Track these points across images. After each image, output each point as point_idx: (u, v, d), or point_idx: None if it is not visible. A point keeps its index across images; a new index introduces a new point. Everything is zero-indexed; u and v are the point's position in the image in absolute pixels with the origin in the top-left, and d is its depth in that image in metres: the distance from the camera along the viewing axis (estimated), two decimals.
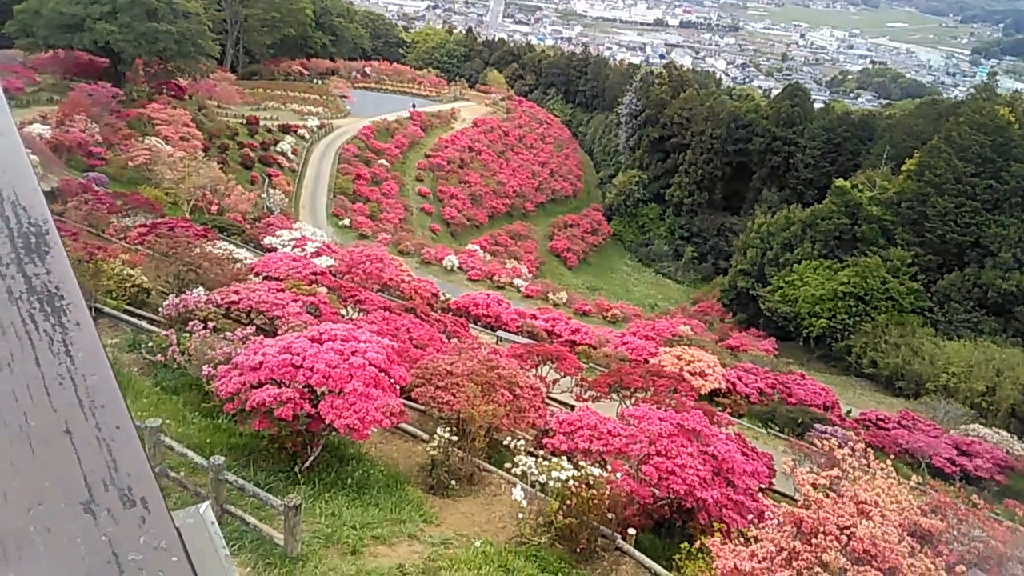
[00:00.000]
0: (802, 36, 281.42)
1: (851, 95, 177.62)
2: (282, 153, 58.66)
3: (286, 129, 62.84)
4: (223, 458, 9.28)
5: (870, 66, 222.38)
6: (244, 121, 59.63)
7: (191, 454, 9.65)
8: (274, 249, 32.11)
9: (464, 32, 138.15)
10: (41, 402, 0.85)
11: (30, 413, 0.84)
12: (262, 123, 61.04)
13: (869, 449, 12.46)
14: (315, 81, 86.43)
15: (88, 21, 47.37)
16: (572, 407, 18.56)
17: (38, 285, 0.96)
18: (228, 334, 13.94)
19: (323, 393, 10.93)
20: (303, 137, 63.79)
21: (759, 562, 8.34)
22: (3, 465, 0.79)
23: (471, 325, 30.36)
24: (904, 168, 56.65)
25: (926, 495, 12.72)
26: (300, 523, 8.99)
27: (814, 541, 8.18)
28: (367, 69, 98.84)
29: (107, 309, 16.18)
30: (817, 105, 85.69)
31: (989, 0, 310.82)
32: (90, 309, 13.86)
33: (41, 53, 51.58)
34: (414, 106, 79.07)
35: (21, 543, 0.74)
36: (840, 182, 57.11)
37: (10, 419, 0.83)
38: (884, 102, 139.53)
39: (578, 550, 10.89)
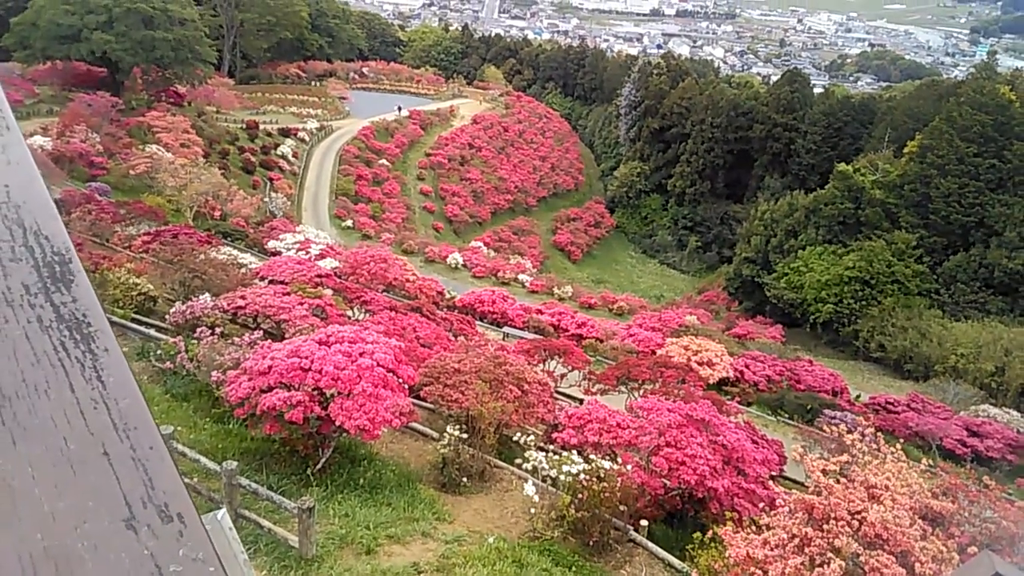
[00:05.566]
0: (799, 21, 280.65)
1: (851, 79, 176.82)
2: (283, 156, 58.75)
3: (286, 132, 62.95)
4: (236, 463, 9.36)
5: (869, 49, 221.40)
6: (244, 126, 59.78)
7: (204, 460, 9.72)
8: (278, 253, 32.20)
9: (460, 29, 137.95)
10: (78, 426, 0.89)
11: (69, 437, 0.88)
12: (262, 127, 61.17)
13: (879, 433, 12.49)
14: (313, 83, 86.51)
15: (85, 31, 47.52)
16: (580, 401, 18.62)
17: (66, 313, 1.00)
18: (236, 339, 14.00)
19: (332, 395, 10.97)
20: (303, 140, 63.87)
21: (772, 549, 8.38)
22: (49, 488, 0.83)
23: (477, 322, 30.43)
24: (906, 150, 56.40)
25: (937, 477, 12.73)
26: (314, 525, 9.06)
27: (826, 527, 8.21)
28: (364, 69, 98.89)
29: (114, 318, 16.27)
30: (817, 90, 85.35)
31: None
32: None
33: (39, 65, 51.68)
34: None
35: (71, 561, 0.78)
36: (842, 166, 56.85)
37: (51, 443, 0.87)
38: (884, 85, 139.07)
39: (591, 543, 10.94)
